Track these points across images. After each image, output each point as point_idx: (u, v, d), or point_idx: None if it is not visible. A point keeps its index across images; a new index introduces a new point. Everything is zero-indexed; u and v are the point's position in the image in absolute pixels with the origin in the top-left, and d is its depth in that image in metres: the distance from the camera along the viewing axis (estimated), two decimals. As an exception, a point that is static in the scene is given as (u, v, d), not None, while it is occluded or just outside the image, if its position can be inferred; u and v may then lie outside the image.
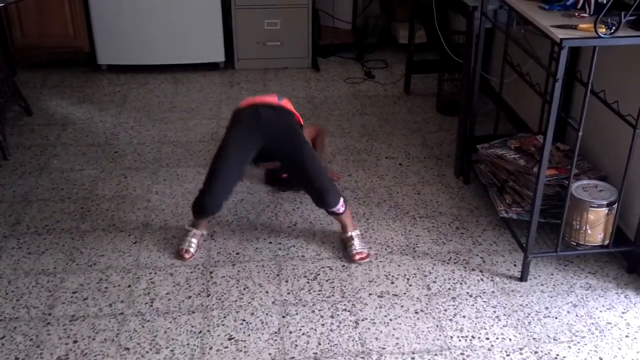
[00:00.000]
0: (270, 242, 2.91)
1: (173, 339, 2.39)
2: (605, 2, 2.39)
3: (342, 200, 2.80)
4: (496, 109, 3.32)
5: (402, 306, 2.55)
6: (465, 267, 2.77)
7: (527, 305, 2.57)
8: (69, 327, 2.44)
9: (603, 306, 2.56)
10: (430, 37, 4.70)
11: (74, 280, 2.67)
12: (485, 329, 2.45)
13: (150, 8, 4.37)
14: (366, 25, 5.11)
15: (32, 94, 4.27)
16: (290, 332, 2.43)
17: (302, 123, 3.01)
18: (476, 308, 2.55)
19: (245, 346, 2.37)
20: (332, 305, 2.56)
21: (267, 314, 2.51)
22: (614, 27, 2.28)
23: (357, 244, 2.83)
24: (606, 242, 2.67)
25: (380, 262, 2.79)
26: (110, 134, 3.81)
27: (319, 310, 2.53)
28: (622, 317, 2.51)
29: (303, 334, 2.42)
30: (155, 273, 2.72)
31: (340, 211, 2.81)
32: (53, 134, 3.80)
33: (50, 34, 4.47)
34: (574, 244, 2.69)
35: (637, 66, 2.64)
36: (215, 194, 2.70)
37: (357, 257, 2.80)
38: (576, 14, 2.47)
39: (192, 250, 2.83)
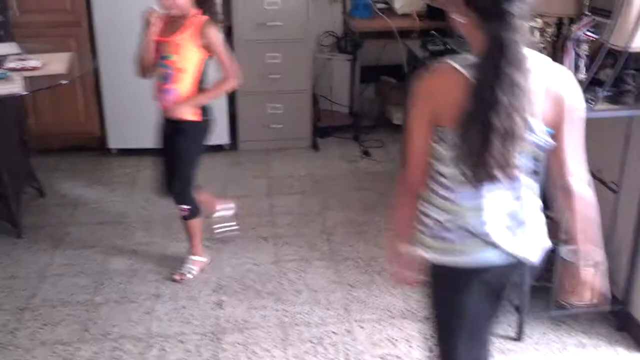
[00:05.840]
0: (277, 310, 3.03)
1: (185, 402, 2.49)
2: (584, 80, 2.63)
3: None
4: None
5: (404, 367, 2.66)
6: (463, 330, 2.88)
7: (523, 364, 2.67)
8: (84, 393, 2.54)
9: (596, 364, 2.68)
10: (424, 117, 4.94)
11: (87, 349, 2.78)
12: (485, 387, 2.54)
13: (159, 95, 4.61)
14: (362, 109, 5.37)
15: (45, 177, 4.43)
16: (298, 394, 2.52)
17: None
18: (475, 368, 2.65)
19: (254, 407, 2.46)
20: (337, 368, 2.66)
21: (274, 377, 2.61)
22: (592, 103, 2.49)
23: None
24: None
25: (382, 326, 2.91)
26: (121, 213, 3.98)
27: (325, 372, 2.64)
28: (615, 373, 2.62)
29: (310, 394, 2.52)
30: (167, 341, 2.83)
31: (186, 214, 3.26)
32: (66, 214, 3.97)
33: (63, 122, 4.68)
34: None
35: (615, 137, 2.85)
36: None
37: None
38: (555, 90, 2.68)
39: None
